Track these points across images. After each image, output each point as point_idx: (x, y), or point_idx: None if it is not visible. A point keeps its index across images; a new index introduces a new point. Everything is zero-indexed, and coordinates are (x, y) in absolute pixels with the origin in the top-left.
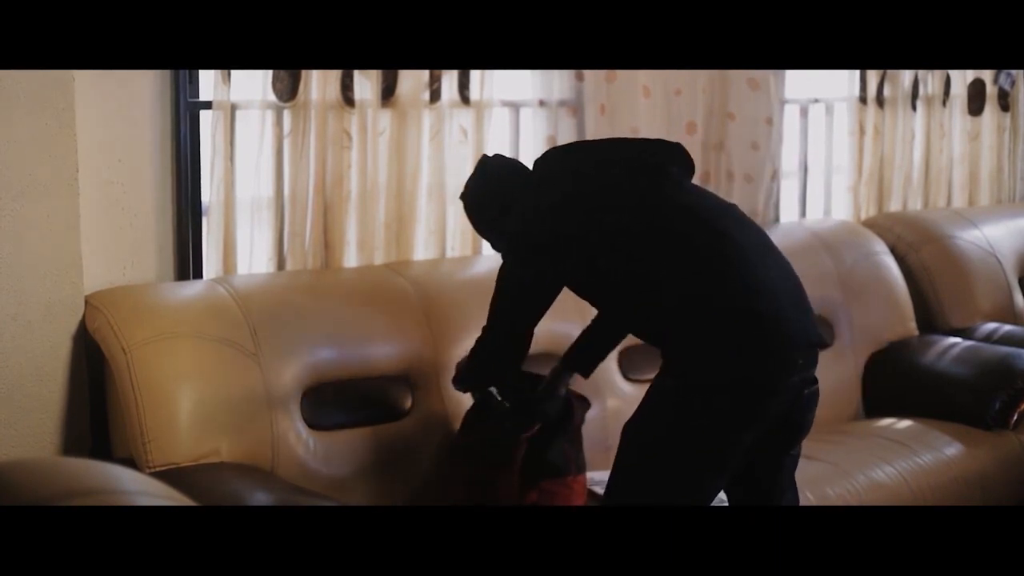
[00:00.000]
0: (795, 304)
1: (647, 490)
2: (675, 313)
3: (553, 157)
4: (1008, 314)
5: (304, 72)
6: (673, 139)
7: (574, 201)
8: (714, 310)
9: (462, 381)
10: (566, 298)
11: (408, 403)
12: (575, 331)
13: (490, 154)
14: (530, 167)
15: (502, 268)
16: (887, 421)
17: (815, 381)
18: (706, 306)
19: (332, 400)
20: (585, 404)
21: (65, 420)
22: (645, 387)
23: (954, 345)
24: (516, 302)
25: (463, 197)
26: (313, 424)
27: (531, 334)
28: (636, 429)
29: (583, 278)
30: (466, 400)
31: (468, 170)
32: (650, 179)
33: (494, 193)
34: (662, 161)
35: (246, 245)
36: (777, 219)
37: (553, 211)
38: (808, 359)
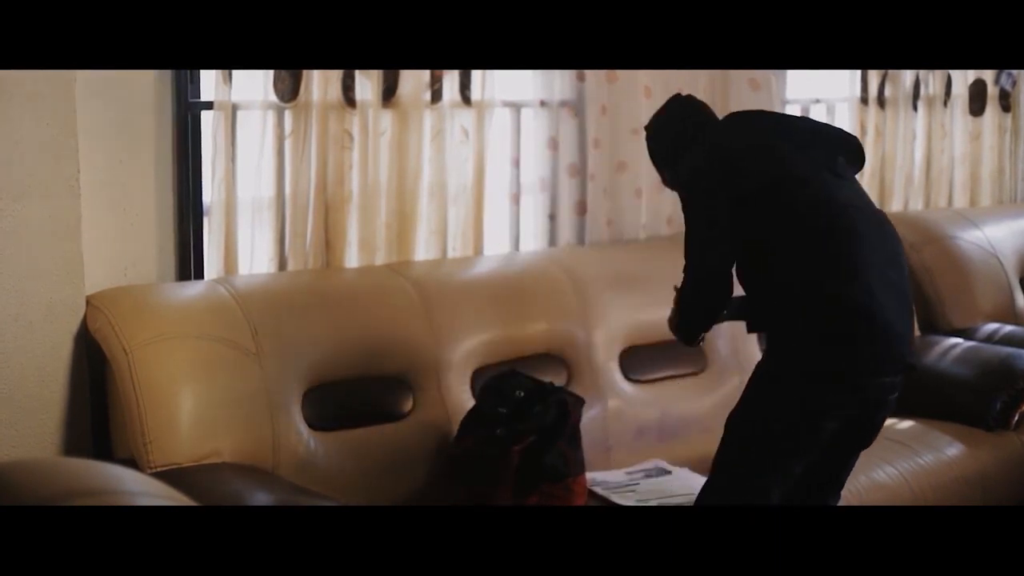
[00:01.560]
0: (902, 320)
1: (743, 488)
2: (783, 294)
3: (736, 118)
4: (1009, 315)
5: (305, 72)
6: None
7: (732, 162)
8: (822, 299)
9: (683, 333)
10: (569, 299)
11: (409, 404)
12: (576, 330)
13: (683, 94)
14: (715, 114)
15: (686, 216)
16: (888, 421)
17: (898, 389)
18: (815, 294)
19: (333, 401)
20: (580, 402)
21: (66, 420)
22: (646, 388)
23: (955, 345)
24: (703, 240)
25: (647, 128)
26: (314, 424)
27: (729, 271)
28: (737, 423)
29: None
30: (467, 402)
31: (469, 170)
32: (807, 163)
33: (674, 132)
34: (830, 149)
35: (247, 245)
36: None
37: (719, 163)
38: (899, 370)
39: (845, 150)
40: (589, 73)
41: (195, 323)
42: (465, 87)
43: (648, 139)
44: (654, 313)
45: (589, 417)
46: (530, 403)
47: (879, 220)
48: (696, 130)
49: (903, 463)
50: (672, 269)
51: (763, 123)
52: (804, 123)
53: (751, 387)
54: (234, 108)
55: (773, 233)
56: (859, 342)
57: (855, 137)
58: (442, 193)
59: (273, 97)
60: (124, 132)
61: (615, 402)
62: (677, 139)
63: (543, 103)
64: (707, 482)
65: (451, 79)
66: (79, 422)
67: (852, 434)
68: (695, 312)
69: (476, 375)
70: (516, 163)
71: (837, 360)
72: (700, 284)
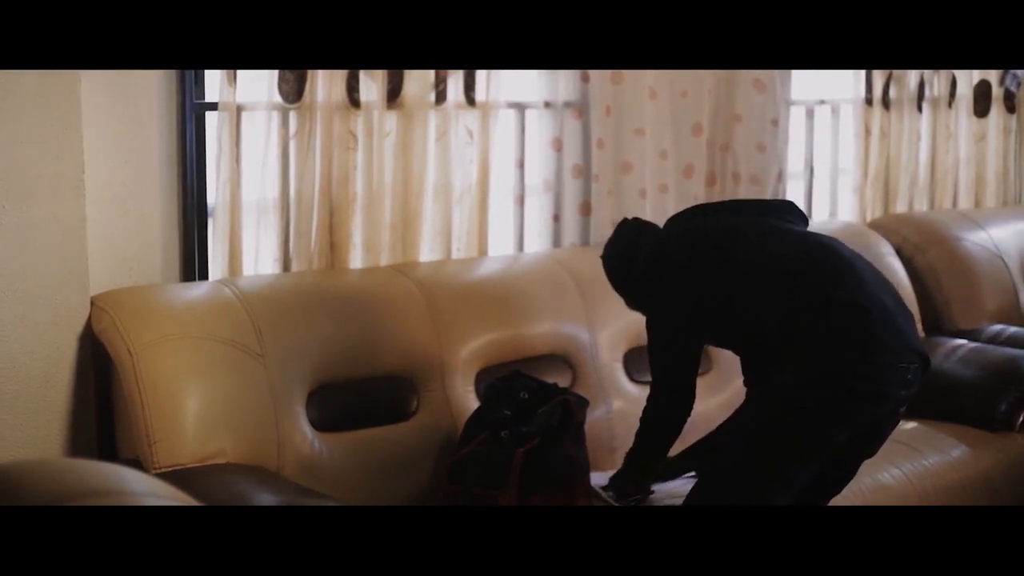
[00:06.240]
0: (904, 316)
1: (742, 488)
2: (773, 322)
3: (675, 216)
4: (1014, 316)
5: (310, 73)
6: (680, 140)
7: (691, 268)
8: (813, 307)
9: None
10: (573, 300)
11: (413, 404)
12: (580, 333)
13: (629, 217)
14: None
15: (649, 342)
16: None
17: (911, 393)
18: (820, 305)
19: (337, 401)
20: (584, 403)
21: (71, 421)
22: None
23: (960, 347)
24: (668, 368)
25: (602, 258)
26: (318, 425)
27: (692, 391)
28: (740, 431)
29: (716, 330)
30: (471, 403)
31: (474, 171)
32: (757, 220)
33: (622, 254)
34: (773, 209)
35: (252, 246)
36: None
37: (676, 287)
38: (916, 373)
39: (788, 212)
40: (594, 74)
41: (200, 324)
42: (470, 88)
43: (604, 268)
44: None
45: (593, 418)
46: (534, 405)
47: (841, 243)
48: (641, 245)
49: (907, 464)
50: None
51: (699, 210)
52: (740, 201)
53: (759, 399)
54: (239, 109)
55: (742, 271)
56: (861, 336)
57: (792, 203)
58: (447, 194)
59: (278, 98)
60: (129, 133)
61: (620, 403)
62: (625, 260)
63: (547, 104)
64: (699, 484)
65: (455, 80)
66: (84, 423)
67: (860, 444)
68: (656, 430)
69: (480, 376)
70: (520, 164)
71: (845, 360)
72: (668, 403)
